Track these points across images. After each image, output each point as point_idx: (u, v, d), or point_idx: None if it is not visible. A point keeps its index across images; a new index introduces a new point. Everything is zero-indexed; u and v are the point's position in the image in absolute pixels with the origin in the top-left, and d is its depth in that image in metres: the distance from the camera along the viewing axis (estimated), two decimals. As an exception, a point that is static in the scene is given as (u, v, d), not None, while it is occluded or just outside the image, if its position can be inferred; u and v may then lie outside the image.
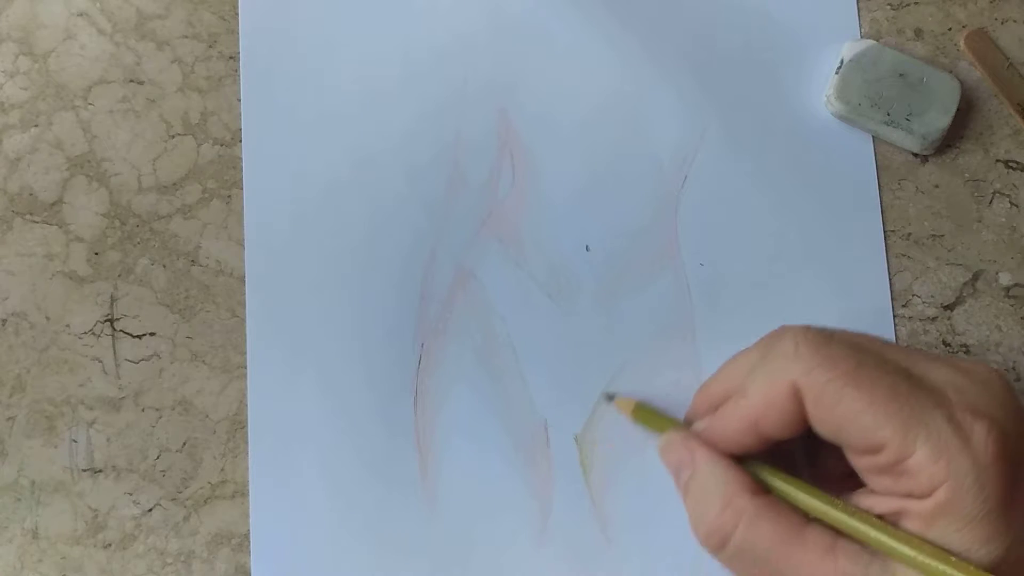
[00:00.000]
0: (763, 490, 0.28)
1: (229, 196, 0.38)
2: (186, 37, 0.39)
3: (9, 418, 0.37)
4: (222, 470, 0.37)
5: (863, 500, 0.27)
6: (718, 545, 0.27)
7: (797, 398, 0.27)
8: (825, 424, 0.26)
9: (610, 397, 0.36)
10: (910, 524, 0.25)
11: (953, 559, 0.24)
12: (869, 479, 0.27)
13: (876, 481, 0.26)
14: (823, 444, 0.27)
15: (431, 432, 0.37)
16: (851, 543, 0.26)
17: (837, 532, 0.26)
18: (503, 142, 0.39)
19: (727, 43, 0.40)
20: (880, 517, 0.26)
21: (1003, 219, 0.40)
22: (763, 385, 0.27)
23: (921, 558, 0.24)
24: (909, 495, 0.25)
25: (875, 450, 0.25)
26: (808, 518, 0.27)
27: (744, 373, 0.28)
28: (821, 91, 0.40)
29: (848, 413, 0.26)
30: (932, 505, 0.25)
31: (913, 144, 0.39)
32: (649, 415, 0.34)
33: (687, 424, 0.31)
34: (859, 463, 0.26)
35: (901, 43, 0.41)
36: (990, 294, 0.39)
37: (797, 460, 0.30)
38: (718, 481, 0.28)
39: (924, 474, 0.25)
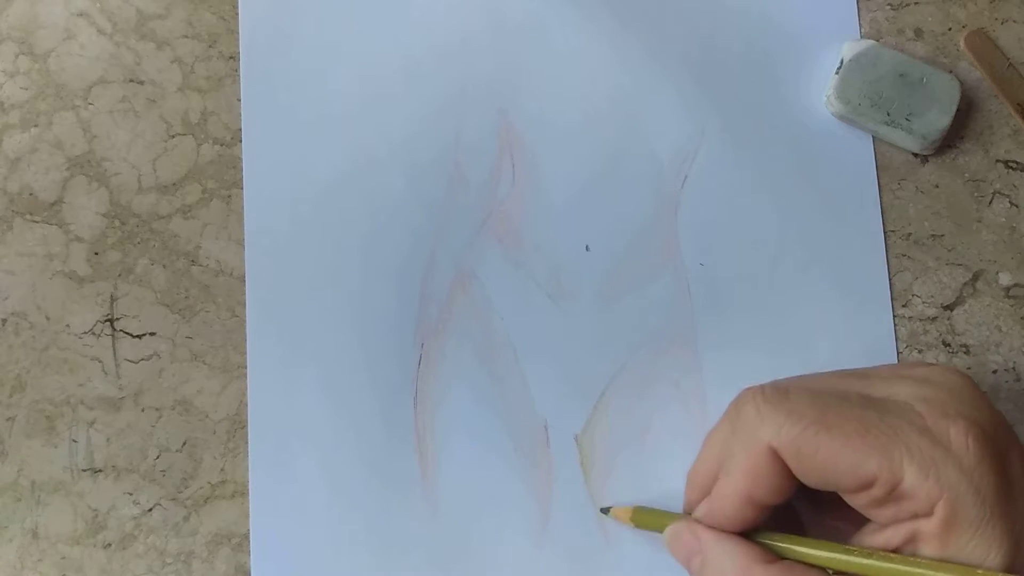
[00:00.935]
0: (776, 558, 0.27)
1: (229, 196, 0.38)
2: (186, 37, 0.39)
3: (9, 418, 0.37)
4: (222, 470, 0.37)
5: (874, 538, 0.26)
6: None
7: (777, 459, 0.27)
8: (811, 475, 0.26)
9: (605, 511, 0.36)
10: (926, 548, 0.25)
11: (979, 572, 0.24)
12: (872, 514, 0.26)
13: (879, 514, 0.26)
14: (822, 493, 0.27)
15: (431, 432, 0.37)
16: None
17: None
18: (503, 142, 0.39)
19: (727, 43, 0.40)
20: (896, 550, 0.26)
21: (1003, 219, 0.40)
22: (742, 458, 0.27)
23: None
24: (915, 517, 0.25)
25: (867, 485, 0.25)
26: (828, 574, 0.27)
27: (721, 449, 0.28)
28: (821, 91, 0.40)
29: (829, 458, 0.26)
30: (938, 522, 0.24)
31: (913, 144, 0.39)
32: (649, 516, 0.34)
33: (686, 514, 0.31)
34: (857, 502, 0.26)
35: (901, 43, 0.41)
36: (990, 294, 0.39)
37: (803, 517, 0.30)
38: (729, 559, 0.28)
39: (920, 493, 0.25)
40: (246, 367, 0.37)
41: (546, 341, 0.38)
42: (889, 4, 0.41)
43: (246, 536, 0.36)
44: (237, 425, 0.37)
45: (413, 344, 0.38)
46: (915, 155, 0.40)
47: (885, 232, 0.39)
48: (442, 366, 0.37)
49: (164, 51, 0.39)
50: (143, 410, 0.37)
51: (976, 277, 0.39)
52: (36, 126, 0.39)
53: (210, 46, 0.39)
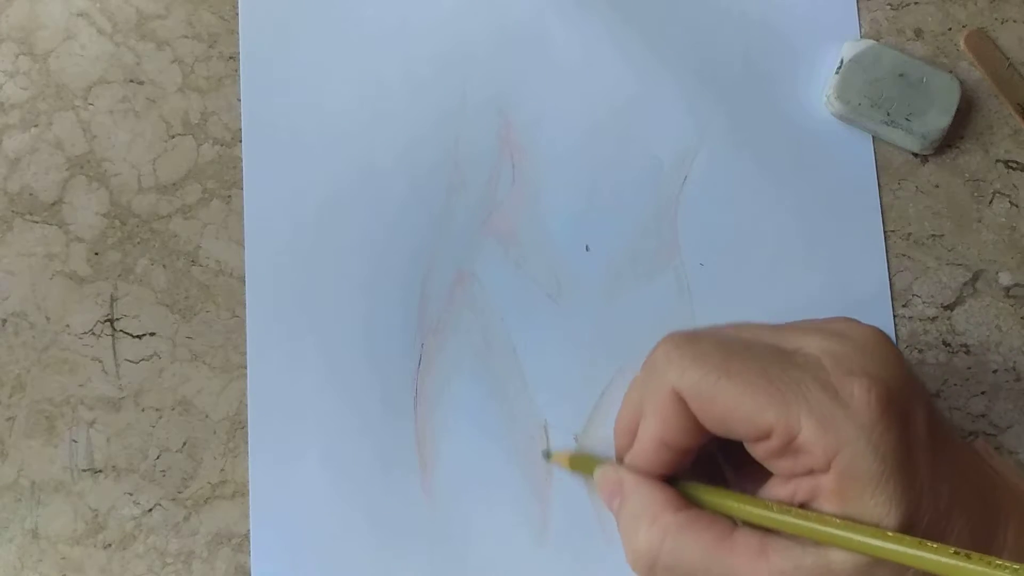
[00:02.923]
0: (688, 504, 0.27)
1: (229, 196, 0.38)
2: (186, 37, 0.39)
3: (9, 418, 0.37)
4: (222, 470, 0.37)
5: (777, 490, 0.26)
6: (648, 566, 0.27)
7: (681, 403, 0.27)
8: (711, 421, 0.26)
9: (547, 455, 0.36)
10: (826, 504, 0.25)
11: (878, 530, 0.24)
12: (771, 465, 0.26)
13: (778, 466, 0.26)
14: (742, 447, 0.27)
15: (431, 432, 0.37)
16: (781, 540, 0.25)
17: (767, 532, 0.26)
18: (503, 143, 0.39)
19: (727, 43, 0.40)
20: (801, 505, 0.26)
21: (1003, 219, 0.40)
22: (652, 401, 0.27)
23: (844, 534, 0.24)
24: (811, 472, 0.25)
25: (764, 436, 0.25)
26: (736, 524, 0.27)
27: (640, 395, 0.28)
28: (821, 91, 0.40)
29: (727, 405, 0.25)
30: (835, 477, 0.24)
31: (913, 144, 0.39)
32: (584, 461, 0.34)
33: (619, 460, 0.31)
34: (757, 452, 0.26)
35: (901, 43, 0.41)
36: (990, 294, 0.39)
37: (724, 469, 0.30)
38: (644, 502, 0.28)
39: (817, 448, 0.24)
40: (246, 367, 0.37)
41: (546, 341, 0.38)
42: (889, 4, 0.41)
43: (246, 536, 0.36)
44: (237, 425, 0.37)
45: (413, 344, 0.38)
46: (915, 155, 0.40)
47: (885, 232, 0.39)
48: (442, 365, 0.37)
49: (164, 51, 0.39)
50: (143, 410, 0.37)
51: (976, 277, 0.39)
52: (36, 126, 0.39)
53: (210, 46, 0.39)
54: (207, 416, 0.37)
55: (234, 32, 0.39)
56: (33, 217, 0.38)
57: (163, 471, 0.37)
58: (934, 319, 0.39)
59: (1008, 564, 0.21)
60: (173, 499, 0.36)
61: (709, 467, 0.30)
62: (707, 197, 0.39)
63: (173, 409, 0.37)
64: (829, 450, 0.24)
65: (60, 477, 0.36)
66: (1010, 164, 0.40)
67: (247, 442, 0.37)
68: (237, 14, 0.40)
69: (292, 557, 0.36)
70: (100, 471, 0.37)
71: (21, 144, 0.39)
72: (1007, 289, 0.39)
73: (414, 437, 0.37)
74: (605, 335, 0.38)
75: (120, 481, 0.37)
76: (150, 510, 0.36)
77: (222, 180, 0.39)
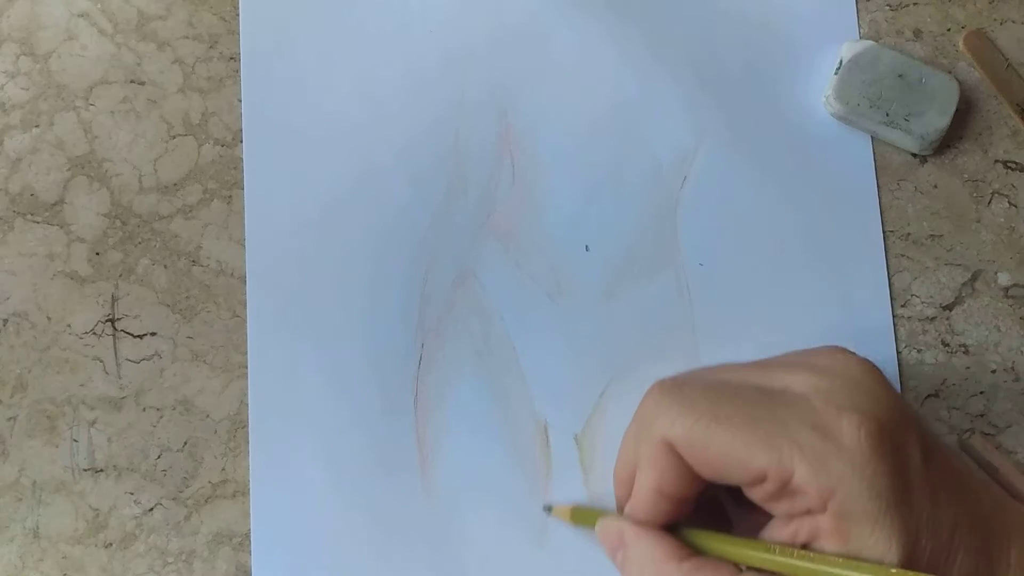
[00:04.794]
0: (692, 553, 0.27)
1: (230, 196, 0.39)
2: (187, 38, 0.40)
3: (10, 418, 0.37)
4: (223, 469, 0.37)
5: (780, 531, 0.26)
6: None
7: (674, 452, 0.26)
8: (705, 468, 0.26)
9: (548, 509, 0.36)
10: (827, 543, 0.25)
11: (880, 567, 0.24)
12: (770, 508, 0.26)
13: (776, 508, 0.26)
14: (740, 493, 0.27)
15: (431, 432, 0.37)
16: None
17: (771, 575, 0.26)
18: (503, 143, 0.39)
19: (727, 44, 0.40)
20: (804, 546, 0.25)
21: (1002, 219, 0.40)
22: (645, 452, 0.27)
23: (846, 573, 0.24)
24: (810, 512, 0.25)
25: (759, 480, 0.25)
26: (740, 569, 0.26)
27: (635, 444, 0.28)
28: (820, 92, 0.40)
29: (720, 452, 0.25)
30: (832, 518, 0.24)
31: (912, 144, 0.39)
32: (586, 514, 0.34)
33: (619, 511, 0.31)
34: (754, 496, 0.26)
35: (900, 44, 0.41)
36: (989, 294, 0.39)
37: (728, 510, 0.30)
38: (647, 553, 0.27)
39: (811, 489, 0.24)
40: (247, 367, 0.37)
41: (546, 341, 0.38)
42: (888, 5, 0.41)
43: (247, 535, 0.36)
44: (238, 425, 0.37)
45: (414, 344, 0.38)
46: (914, 155, 0.40)
47: (884, 232, 0.39)
48: (442, 366, 0.38)
49: (165, 52, 0.39)
50: (144, 410, 0.37)
51: (975, 277, 0.39)
52: (37, 126, 0.39)
53: (211, 47, 0.40)
54: (208, 416, 0.37)
55: (235, 32, 0.40)
56: (34, 217, 0.38)
57: (164, 470, 0.37)
58: (933, 319, 0.39)
59: None
60: (174, 498, 0.37)
61: (713, 508, 0.29)
62: (707, 197, 0.39)
63: (174, 409, 0.37)
64: (824, 491, 0.24)
65: (61, 477, 0.37)
66: (1009, 164, 0.40)
67: (248, 442, 0.37)
68: (238, 15, 0.40)
69: (292, 556, 0.36)
70: (101, 471, 0.37)
71: (22, 144, 0.39)
72: (1006, 289, 0.39)
73: (414, 437, 0.37)
74: (605, 335, 0.38)
75: (121, 480, 0.37)
76: (151, 509, 0.36)
77: (223, 180, 0.39)
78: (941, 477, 0.25)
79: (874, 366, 0.27)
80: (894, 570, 0.23)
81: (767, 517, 0.27)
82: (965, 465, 0.28)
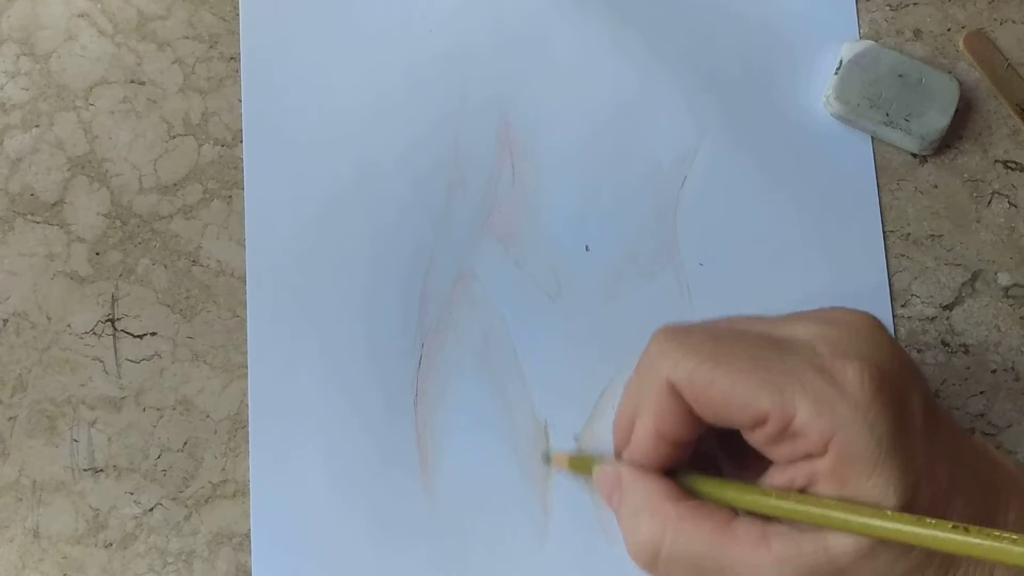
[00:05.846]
0: (688, 495, 0.27)
1: (230, 196, 0.39)
2: (187, 38, 0.40)
3: (10, 418, 0.37)
4: (223, 469, 0.37)
5: (775, 478, 0.26)
6: (650, 558, 0.27)
7: (676, 394, 0.27)
8: (707, 410, 0.26)
9: (547, 458, 0.37)
10: (824, 487, 0.25)
11: (876, 510, 0.24)
12: (769, 452, 0.26)
13: (776, 452, 0.26)
14: (739, 441, 0.27)
15: (431, 432, 0.37)
16: (782, 526, 0.25)
17: (767, 519, 0.26)
18: (503, 143, 0.39)
19: (727, 44, 0.40)
20: (801, 491, 0.25)
21: (1002, 219, 0.40)
22: (647, 394, 0.27)
23: (843, 516, 0.24)
24: (809, 456, 0.25)
25: (760, 422, 0.25)
26: (736, 514, 0.27)
27: (636, 392, 0.29)
28: (820, 92, 0.40)
29: (722, 393, 0.25)
30: (832, 460, 0.24)
31: (912, 144, 0.39)
32: (584, 461, 0.34)
33: (617, 458, 0.31)
34: (754, 440, 0.26)
35: (900, 44, 0.41)
36: (989, 294, 0.39)
37: (721, 465, 0.30)
38: (643, 494, 0.28)
39: (813, 431, 0.24)
40: (247, 367, 0.37)
41: (546, 341, 0.38)
42: (888, 5, 0.41)
43: (247, 535, 0.36)
44: (238, 425, 0.37)
45: (414, 343, 0.38)
46: (914, 155, 0.40)
47: (884, 232, 0.39)
48: (442, 366, 0.38)
49: (165, 52, 0.39)
50: (144, 410, 0.37)
51: (975, 277, 0.39)
52: (37, 126, 0.39)
53: (211, 47, 0.40)
54: (208, 416, 0.37)
55: (235, 33, 0.40)
56: (34, 217, 0.38)
57: (164, 470, 0.37)
58: (933, 319, 0.39)
59: (1007, 535, 0.21)
60: (174, 498, 0.37)
61: (707, 464, 0.30)
62: (707, 197, 0.39)
63: (174, 409, 0.37)
64: (825, 432, 0.24)
65: (61, 477, 0.37)
66: (1009, 164, 0.40)
67: (248, 441, 0.37)
68: (238, 15, 0.40)
69: (293, 556, 0.36)
70: (101, 470, 0.37)
71: (22, 144, 0.39)
72: (1006, 289, 0.39)
73: (414, 437, 0.37)
74: (605, 335, 0.38)
75: (121, 480, 0.37)
76: (151, 509, 0.36)
77: (223, 180, 0.39)
78: (940, 432, 0.26)
79: (878, 320, 0.27)
80: (890, 512, 0.23)
81: (760, 469, 0.27)
82: (961, 428, 0.28)
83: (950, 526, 0.22)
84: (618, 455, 0.31)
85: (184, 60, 0.39)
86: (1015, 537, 0.21)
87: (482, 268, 0.38)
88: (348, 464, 0.37)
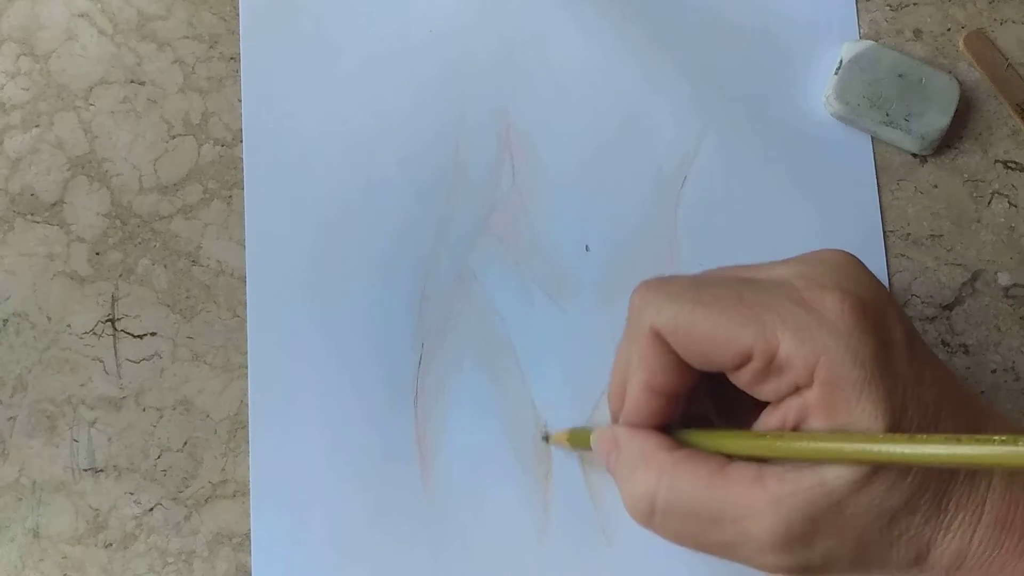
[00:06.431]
0: (683, 445, 0.28)
1: (230, 196, 0.39)
2: (187, 38, 0.40)
3: (10, 418, 0.37)
4: (223, 470, 0.37)
5: (768, 421, 0.26)
6: (647, 510, 0.27)
7: (662, 341, 0.27)
8: (693, 354, 0.26)
9: (546, 438, 0.37)
10: (815, 420, 0.25)
11: (867, 435, 0.24)
12: (757, 392, 0.26)
13: (763, 390, 0.26)
14: (731, 398, 0.27)
15: (431, 432, 0.37)
16: (776, 466, 0.25)
17: (761, 461, 0.26)
18: (503, 142, 0.39)
19: (727, 44, 0.40)
20: (794, 429, 0.26)
21: (1002, 219, 0.40)
22: (635, 348, 0.28)
23: (836, 446, 0.24)
24: (796, 388, 0.25)
25: (745, 359, 0.25)
26: (730, 460, 0.27)
27: (626, 357, 0.29)
28: (820, 91, 0.40)
29: (705, 333, 0.26)
30: (819, 389, 0.24)
31: (912, 144, 0.39)
32: (582, 435, 0.34)
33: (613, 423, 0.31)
34: (741, 380, 0.26)
35: (900, 44, 0.41)
36: (989, 294, 0.39)
37: (715, 423, 0.30)
38: (638, 449, 0.28)
39: (797, 360, 0.24)
40: (247, 367, 0.37)
41: (546, 341, 0.38)
42: (888, 5, 0.41)
43: (247, 535, 0.36)
44: (238, 425, 0.37)
45: (413, 344, 0.38)
46: (914, 155, 0.40)
47: (884, 232, 0.39)
48: (442, 366, 0.38)
49: (165, 52, 0.39)
50: (144, 410, 0.37)
51: (975, 277, 0.39)
52: (37, 126, 0.39)
53: (211, 47, 0.40)
54: (208, 416, 0.37)
55: (235, 33, 0.40)
56: (34, 217, 0.38)
57: (164, 471, 0.37)
58: (933, 319, 0.39)
59: (997, 437, 0.21)
60: (174, 498, 0.37)
61: (701, 424, 0.30)
62: (707, 197, 0.39)
63: (174, 409, 0.37)
64: (810, 360, 0.24)
65: (61, 477, 0.37)
66: (1009, 164, 0.40)
67: (248, 441, 0.37)
68: (238, 15, 0.40)
69: (293, 556, 0.36)
70: (101, 471, 0.37)
71: (22, 144, 0.39)
72: (1006, 289, 0.39)
73: (414, 436, 0.37)
74: (605, 335, 0.38)
75: (121, 481, 0.37)
76: (151, 509, 0.36)
77: (223, 180, 0.39)
78: (924, 360, 0.26)
79: (856, 257, 0.27)
80: (880, 435, 0.23)
81: (751, 420, 0.27)
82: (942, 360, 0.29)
83: (942, 438, 0.22)
84: (614, 421, 0.31)
85: (184, 60, 0.39)
86: (1005, 437, 0.21)
87: (482, 268, 0.38)
88: (348, 464, 0.37)
